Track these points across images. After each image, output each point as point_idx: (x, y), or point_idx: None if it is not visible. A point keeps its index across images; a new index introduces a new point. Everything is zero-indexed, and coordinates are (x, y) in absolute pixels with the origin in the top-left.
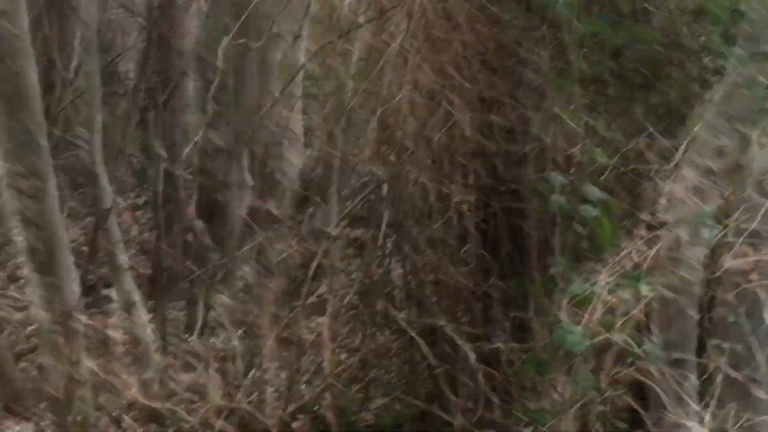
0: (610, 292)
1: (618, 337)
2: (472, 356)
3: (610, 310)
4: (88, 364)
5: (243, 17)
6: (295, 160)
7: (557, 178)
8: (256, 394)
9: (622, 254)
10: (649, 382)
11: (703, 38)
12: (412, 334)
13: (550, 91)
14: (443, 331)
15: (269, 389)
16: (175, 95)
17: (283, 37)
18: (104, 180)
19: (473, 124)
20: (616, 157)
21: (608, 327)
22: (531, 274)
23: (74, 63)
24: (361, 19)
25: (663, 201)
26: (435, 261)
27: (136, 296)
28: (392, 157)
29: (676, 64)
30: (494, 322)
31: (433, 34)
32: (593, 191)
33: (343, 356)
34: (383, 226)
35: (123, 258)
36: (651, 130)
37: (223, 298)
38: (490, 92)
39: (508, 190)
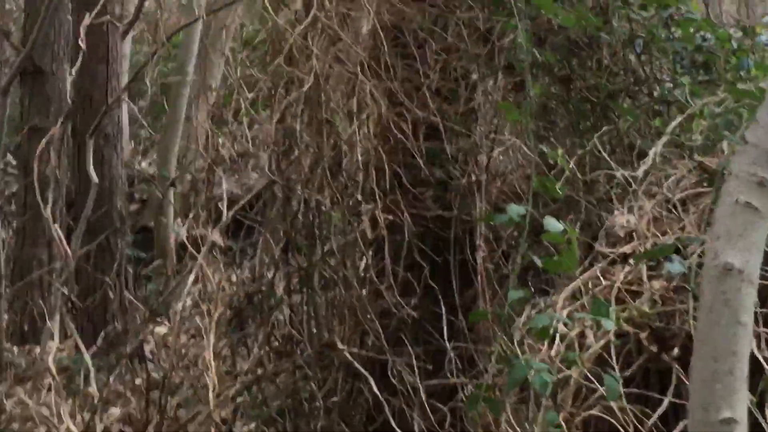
0: (566, 324)
1: (576, 373)
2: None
3: (569, 345)
4: (20, 395)
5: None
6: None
7: (514, 209)
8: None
9: (577, 286)
10: (612, 420)
11: (652, 67)
12: (359, 367)
13: (501, 119)
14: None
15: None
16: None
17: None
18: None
19: (423, 153)
20: (583, 187)
21: (570, 362)
22: (480, 305)
23: None
24: (314, 48)
25: (620, 233)
26: (384, 291)
27: (71, 326)
28: (338, 187)
29: (626, 94)
30: (441, 355)
31: (383, 60)
32: (551, 222)
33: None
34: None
35: (57, 286)
36: (608, 159)
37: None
38: (441, 120)
39: (458, 219)
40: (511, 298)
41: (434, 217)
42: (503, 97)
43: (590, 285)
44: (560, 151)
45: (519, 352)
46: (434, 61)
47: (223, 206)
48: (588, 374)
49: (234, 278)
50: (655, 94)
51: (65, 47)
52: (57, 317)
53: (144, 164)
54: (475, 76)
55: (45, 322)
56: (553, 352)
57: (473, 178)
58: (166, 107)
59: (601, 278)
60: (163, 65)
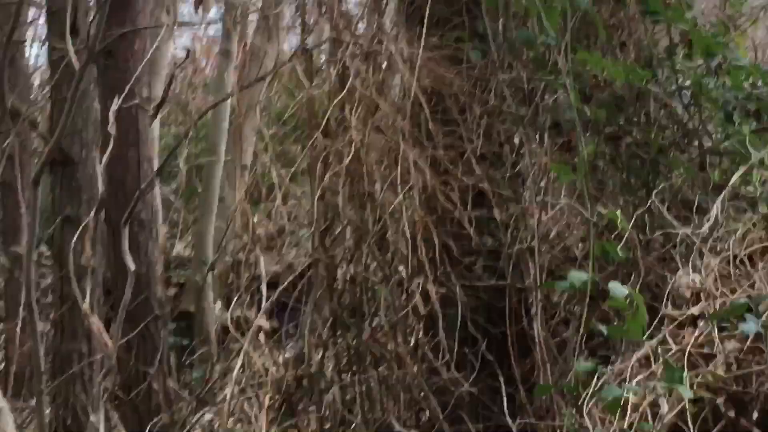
0: (636, 394)
1: None
2: None
3: (642, 415)
4: None
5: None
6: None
7: (575, 275)
8: None
9: (643, 352)
10: None
11: (701, 118)
12: None
13: (550, 182)
14: None
15: None
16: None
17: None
18: None
19: (472, 222)
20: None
21: None
22: (541, 377)
23: None
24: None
25: (686, 293)
26: (439, 367)
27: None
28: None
29: (676, 148)
30: (502, 430)
31: (424, 127)
32: (616, 287)
33: None
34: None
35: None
36: (667, 216)
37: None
38: (487, 186)
39: (512, 288)
40: (580, 369)
41: (486, 287)
42: (550, 158)
43: (659, 350)
44: (618, 212)
45: (590, 426)
46: (477, 126)
47: (263, 287)
48: None
49: (280, 360)
50: (706, 145)
51: (94, 134)
52: (101, 411)
53: (179, 248)
54: (519, 139)
55: (88, 416)
56: (625, 424)
57: (525, 244)
58: (199, 188)
59: (671, 342)
60: (193, 146)
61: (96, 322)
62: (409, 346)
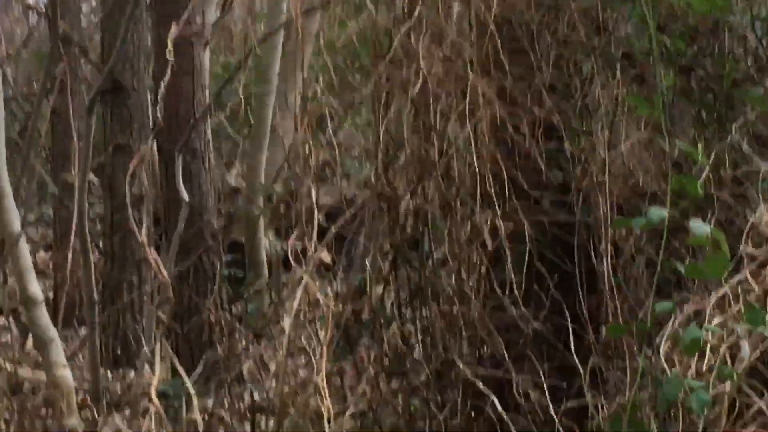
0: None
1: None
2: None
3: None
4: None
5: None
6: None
7: (655, 211)
8: None
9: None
10: None
11: None
12: (480, 386)
13: (622, 115)
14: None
15: None
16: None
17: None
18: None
19: (542, 155)
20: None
21: (726, 377)
22: (609, 317)
23: None
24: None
25: (767, 231)
26: (508, 304)
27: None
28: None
29: (752, 81)
30: (568, 370)
31: (492, 57)
32: (697, 225)
33: None
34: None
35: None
36: (750, 152)
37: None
38: (557, 118)
39: (581, 224)
40: (658, 309)
41: (554, 222)
42: (622, 90)
43: (739, 290)
44: (700, 146)
45: (667, 368)
46: (547, 56)
47: (316, 219)
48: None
49: (337, 294)
50: None
51: (145, 62)
52: (154, 342)
53: (229, 178)
54: (588, 69)
55: (138, 346)
56: (704, 367)
57: (595, 179)
58: (251, 118)
59: (752, 282)
60: (244, 76)
61: (152, 253)
62: (472, 282)
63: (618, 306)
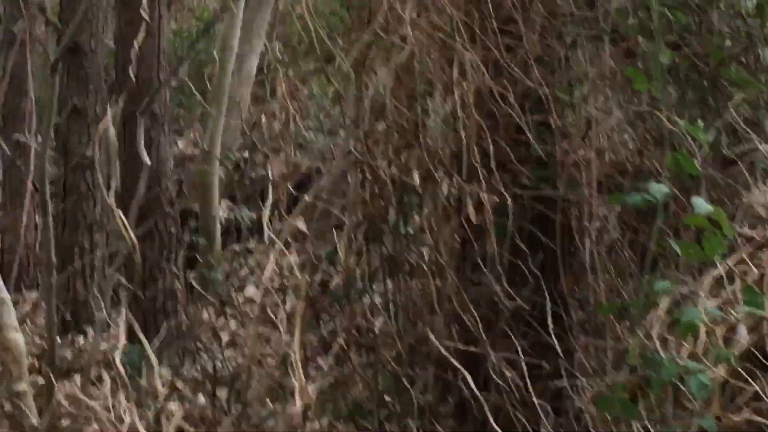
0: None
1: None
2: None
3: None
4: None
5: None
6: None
7: (657, 188)
8: None
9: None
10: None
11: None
12: (456, 364)
13: (610, 89)
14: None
15: None
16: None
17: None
18: None
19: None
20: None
21: (722, 360)
22: (593, 296)
23: None
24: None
25: (762, 212)
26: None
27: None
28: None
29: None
30: (545, 349)
31: (478, 25)
32: (700, 203)
33: None
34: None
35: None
36: (748, 131)
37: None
38: (545, 91)
39: (566, 200)
40: (659, 288)
41: (539, 197)
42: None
43: (737, 272)
44: (701, 123)
45: (660, 350)
46: (535, 27)
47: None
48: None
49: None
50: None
51: (105, 23)
52: (123, 308)
53: (181, 144)
54: (572, 40)
55: (89, 311)
56: (700, 350)
57: (580, 154)
58: (209, 85)
59: (751, 264)
60: (206, 40)
61: (120, 216)
62: (447, 256)
63: (600, 284)
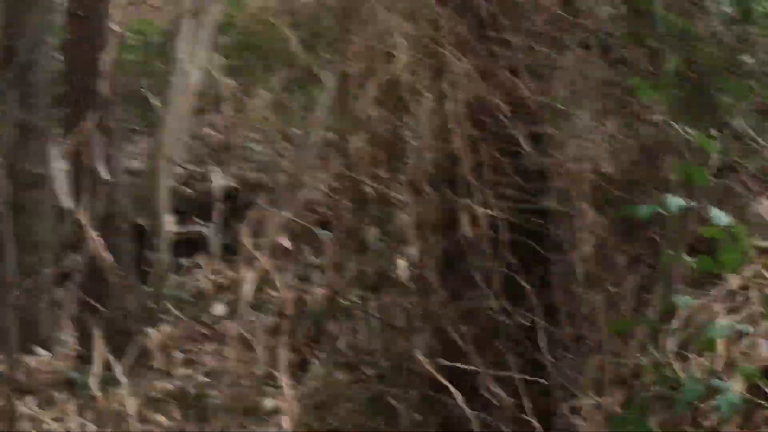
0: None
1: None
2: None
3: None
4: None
5: None
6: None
7: (674, 200)
8: None
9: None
10: None
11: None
12: (442, 379)
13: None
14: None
15: None
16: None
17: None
18: None
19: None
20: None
21: (747, 376)
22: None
23: None
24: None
25: None
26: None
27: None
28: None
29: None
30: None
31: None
32: (717, 214)
33: None
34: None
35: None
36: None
37: None
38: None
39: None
40: (683, 305)
41: (533, 210)
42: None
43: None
44: (714, 134)
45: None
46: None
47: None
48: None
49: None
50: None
51: (50, 34)
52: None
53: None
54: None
55: (39, 330)
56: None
57: (570, 167)
58: (151, 99)
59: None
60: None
61: (95, 237)
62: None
63: (596, 299)
